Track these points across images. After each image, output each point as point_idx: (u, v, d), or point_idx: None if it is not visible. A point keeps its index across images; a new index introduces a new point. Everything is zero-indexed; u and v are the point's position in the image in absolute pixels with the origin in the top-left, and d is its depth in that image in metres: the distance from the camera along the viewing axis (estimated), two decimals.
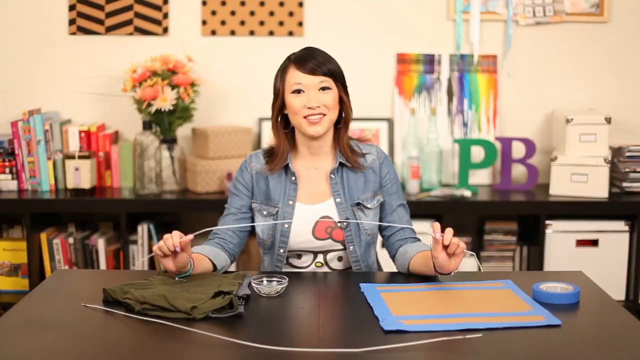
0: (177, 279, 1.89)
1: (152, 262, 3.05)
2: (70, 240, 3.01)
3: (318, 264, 2.13)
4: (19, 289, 3.03)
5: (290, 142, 2.13)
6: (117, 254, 3.04)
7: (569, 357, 1.52)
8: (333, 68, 2.06)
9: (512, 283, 1.92)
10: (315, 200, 2.11)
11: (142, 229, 3.00)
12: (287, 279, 1.87)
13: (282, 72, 2.08)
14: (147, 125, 2.96)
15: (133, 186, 3.12)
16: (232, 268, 3.03)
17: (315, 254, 2.12)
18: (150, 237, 3.01)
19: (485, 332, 1.59)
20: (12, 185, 3.06)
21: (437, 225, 1.85)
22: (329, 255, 2.13)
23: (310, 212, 2.10)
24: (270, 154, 2.14)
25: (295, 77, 2.04)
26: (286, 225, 2.08)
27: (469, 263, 3.03)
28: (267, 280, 1.87)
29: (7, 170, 3.05)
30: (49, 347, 1.54)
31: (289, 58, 2.10)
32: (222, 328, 1.62)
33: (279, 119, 2.11)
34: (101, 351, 1.53)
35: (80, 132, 3.09)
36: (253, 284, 1.85)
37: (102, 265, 3.01)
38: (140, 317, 1.68)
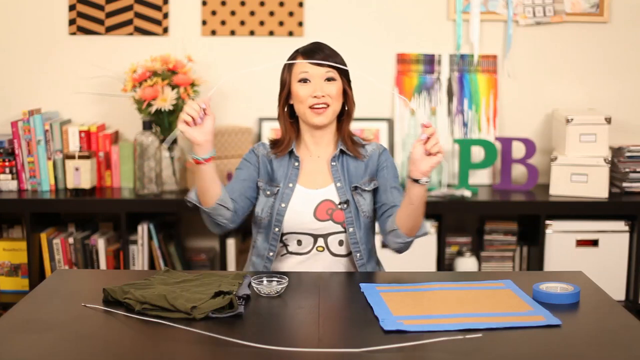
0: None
1: (151, 262, 3.04)
2: (70, 240, 3.01)
3: (319, 248, 2.15)
4: (19, 289, 3.03)
5: (294, 131, 2.21)
6: (117, 254, 3.04)
7: (569, 357, 1.52)
8: (339, 61, 2.15)
9: (512, 283, 1.92)
10: (317, 185, 2.17)
11: (142, 229, 3.00)
12: (287, 279, 1.87)
13: (290, 63, 2.16)
14: (147, 125, 2.96)
15: (133, 186, 3.12)
16: (232, 268, 3.04)
17: (316, 238, 2.15)
18: (150, 237, 3.01)
19: (485, 332, 1.59)
20: (12, 185, 3.06)
21: (427, 125, 1.90)
22: (330, 239, 2.15)
23: (312, 195, 2.16)
24: (275, 143, 2.22)
25: (302, 66, 2.12)
26: (283, 205, 2.14)
27: (470, 264, 3.03)
28: (267, 280, 1.88)
29: (7, 170, 3.05)
30: (49, 347, 1.54)
31: (297, 50, 2.17)
32: (222, 328, 1.62)
33: (285, 109, 2.19)
34: (101, 351, 1.53)
35: (80, 132, 3.09)
36: (253, 284, 1.85)
37: (102, 265, 3.01)
38: (140, 317, 1.68)
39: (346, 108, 2.19)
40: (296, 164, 2.18)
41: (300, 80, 2.12)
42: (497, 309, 1.74)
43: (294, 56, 2.16)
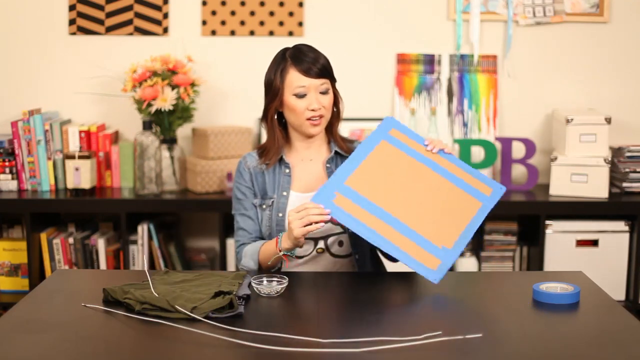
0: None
1: (152, 262, 3.04)
2: (70, 240, 3.01)
3: (319, 250, 2.15)
4: (19, 289, 3.03)
5: (284, 138, 2.19)
6: (117, 254, 3.04)
7: (569, 357, 1.52)
8: (327, 65, 2.13)
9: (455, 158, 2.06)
10: (312, 189, 2.15)
11: (142, 229, 3.00)
12: (287, 279, 1.87)
13: (282, 72, 2.11)
14: (147, 125, 2.96)
15: (133, 186, 3.12)
16: (232, 268, 3.04)
17: (316, 240, 2.14)
18: (150, 237, 3.01)
19: (485, 332, 1.59)
20: (12, 185, 3.06)
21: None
22: (330, 240, 2.15)
23: (308, 200, 2.12)
24: (263, 151, 2.19)
25: (298, 80, 2.09)
26: (280, 215, 2.13)
27: (470, 264, 3.03)
28: (267, 280, 1.88)
29: (7, 170, 3.05)
30: (49, 347, 1.54)
31: (283, 57, 2.13)
32: (222, 328, 1.62)
33: (275, 116, 2.17)
34: (101, 351, 1.53)
35: (80, 132, 3.09)
36: (253, 284, 1.85)
37: (102, 265, 3.01)
38: (140, 317, 1.68)
39: (334, 110, 2.18)
40: (287, 170, 2.17)
41: (296, 94, 2.09)
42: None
43: (284, 64, 2.10)
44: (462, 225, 1.94)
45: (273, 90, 2.13)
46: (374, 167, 1.98)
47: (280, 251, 2.00)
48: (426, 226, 1.92)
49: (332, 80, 2.15)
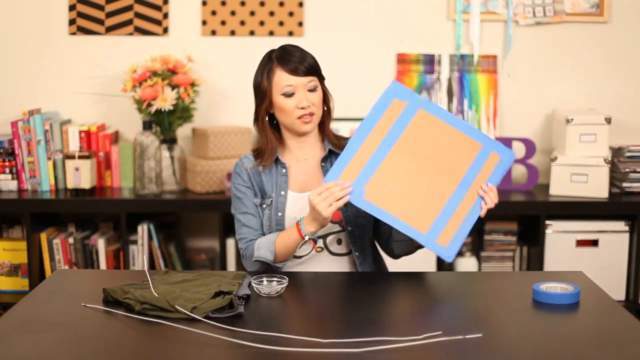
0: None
1: (152, 262, 3.04)
2: (70, 240, 3.01)
3: (318, 249, 2.15)
4: (19, 289, 3.03)
5: (277, 139, 2.19)
6: (117, 254, 3.04)
7: (569, 357, 1.52)
8: (314, 64, 2.14)
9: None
10: (309, 188, 2.15)
11: (142, 229, 3.00)
12: (287, 279, 1.87)
13: (268, 73, 2.13)
14: (147, 125, 2.96)
15: (133, 186, 3.12)
16: (232, 268, 3.04)
17: (315, 239, 2.14)
18: (150, 237, 3.01)
19: (485, 332, 1.59)
20: (12, 185, 3.06)
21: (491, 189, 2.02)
22: (329, 239, 2.15)
23: (305, 199, 2.13)
24: (259, 154, 2.19)
25: (285, 79, 2.10)
26: (280, 214, 2.13)
27: (470, 264, 3.03)
28: (267, 280, 1.88)
29: (7, 170, 3.05)
30: (49, 347, 1.54)
31: (270, 58, 2.14)
32: (222, 328, 1.62)
33: (266, 118, 2.18)
34: (101, 351, 1.54)
35: (80, 132, 3.09)
36: (253, 284, 1.85)
37: (102, 265, 3.01)
38: (140, 317, 1.68)
39: (325, 108, 2.18)
40: (283, 170, 2.17)
41: (284, 94, 2.10)
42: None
43: (270, 65, 2.12)
44: (399, 215, 1.92)
45: (261, 92, 2.14)
46: (436, 131, 1.98)
47: (304, 237, 2.00)
48: (384, 184, 1.93)
49: (320, 78, 2.15)
